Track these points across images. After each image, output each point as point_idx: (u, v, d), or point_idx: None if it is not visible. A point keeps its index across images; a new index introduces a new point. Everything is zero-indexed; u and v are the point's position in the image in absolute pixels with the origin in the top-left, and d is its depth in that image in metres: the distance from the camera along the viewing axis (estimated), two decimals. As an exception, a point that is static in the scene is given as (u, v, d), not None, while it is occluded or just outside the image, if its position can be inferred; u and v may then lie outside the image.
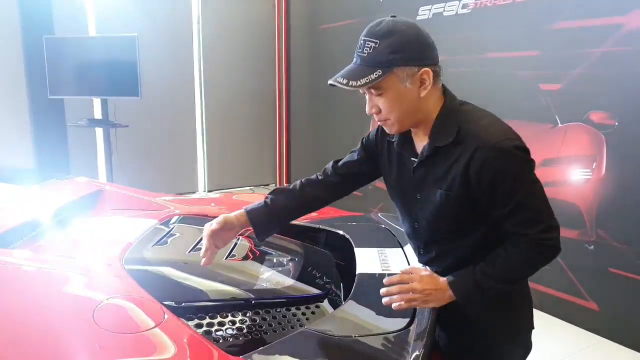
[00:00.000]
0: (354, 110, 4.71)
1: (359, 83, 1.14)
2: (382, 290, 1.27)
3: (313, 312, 1.44)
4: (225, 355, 1.12)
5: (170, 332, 1.15)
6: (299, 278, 1.61)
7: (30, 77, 4.96)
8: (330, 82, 1.19)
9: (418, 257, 1.45)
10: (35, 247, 1.47)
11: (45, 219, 1.63)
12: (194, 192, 6.25)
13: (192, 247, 1.64)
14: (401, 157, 1.35)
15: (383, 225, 2.08)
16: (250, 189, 6.54)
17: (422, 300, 1.25)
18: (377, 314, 1.36)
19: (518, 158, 1.17)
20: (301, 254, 1.80)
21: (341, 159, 1.51)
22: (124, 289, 1.30)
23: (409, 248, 1.76)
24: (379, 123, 1.29)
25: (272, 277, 1.58)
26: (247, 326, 1.34)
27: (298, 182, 1.50)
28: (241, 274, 1.58)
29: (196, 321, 1.32)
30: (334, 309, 1.47)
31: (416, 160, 1.29)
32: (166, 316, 1.18)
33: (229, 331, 1.31)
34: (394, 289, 1.26)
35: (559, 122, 3.06)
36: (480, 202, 1.21)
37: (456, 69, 3.46)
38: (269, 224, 1.44)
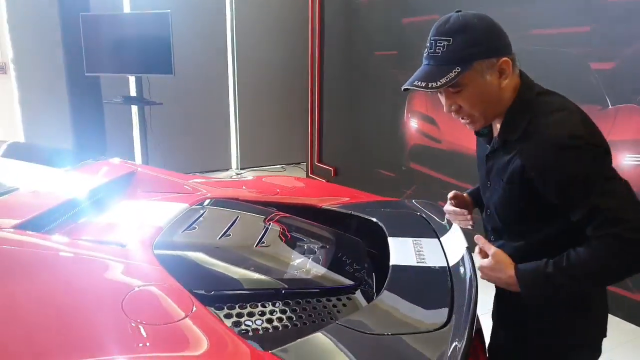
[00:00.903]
0: (388, 87, 4.59)
1: (439, 83, 1.11)
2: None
3: (344, 304, 1.39)
4: (254, 351, 1.09)
5: (199, 324, 1.12)
6: (331, 267, 1.56)
7: (67, 54, 5.01)
8: (405, 86, 1.16)
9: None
10: (66, 231, 1.46)
11: (78, 202, 1.63)
12: (227, 170, 6.28)
13: (223, 232, 1.61)
14: (480, 142, 1.38)
15: (418, 213, 2.00)
16: (282, 167, 6.53)
17: (486, 278, 1.25)
18: (411, 309, 1.30)
19: (584, 157, 1.09)
20: (332, 241, 1.75)
21: None
22: (153, 276, 1.28)
23: (445, 238, 1.69)
24: (462, 122, 1.24)
25: (303, 265, 1.54)
26: (277, 317, 1.30)
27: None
28: (272, 261, 1.55)
29: (225, 311, 1.29)
30: (366, 300, 1.42)
31: (489, 148, 1.30)
32: (194, 307, 1.15)
33: (258, 322, 1.27)
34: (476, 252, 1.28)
35: (609, 103, 2.89)
36: (548, 201, 1.16)
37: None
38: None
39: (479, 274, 1.25)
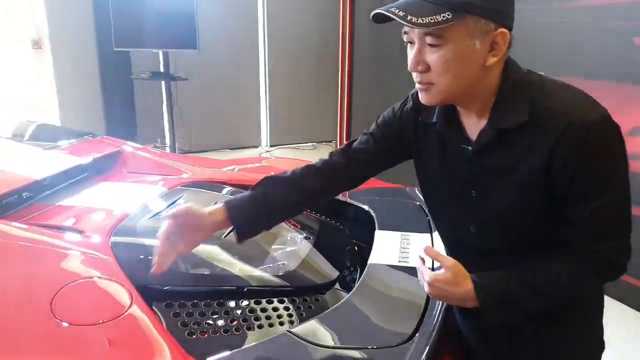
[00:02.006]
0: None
1: (420, 21, 0.83)
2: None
3: (310, 306, 1.27)
4: (185, 357, 0.99)
5: (129, 326, 1.03)
6: (305, 262, 1.43)
7: (98, 29, 5.03)
8: (378, 11, 0.87)
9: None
10: (28, 214, 1.40)
11: (49, 183, 1.57)
12: (256, 147, 6.23)
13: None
14: (444, 142, 1.05)
15: (418, 203, 1.83)
16: (312, 145, 6.41)
17: (437, 295, 1.01)
18: (376, 318, 1.16)
19: (621, 142, 0.90)
20: (314, 231, 1.62)
21: (354, 141, 1.22)
22: (100, 268, 1.19)
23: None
24: (418, 86, 0.97)
25: (273, 260, 1.42)
26: (230, 319, 1.19)
27: (296, 169, 1.19)
28: (238, 254, 1.44)
29: (175, 309, 1.19)
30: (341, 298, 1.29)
31: (469, 147, 0.99)
32: (131, 307, 1.06)
33: (208, 324, 1.17)
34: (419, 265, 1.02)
35: (654, 84, 2.57)
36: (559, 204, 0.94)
37: (530, 20, 3.00)
38: (256, 222, 1.13)
39: (425, 289, 1.00)
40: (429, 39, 0.87)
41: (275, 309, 1.25)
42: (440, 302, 1.16)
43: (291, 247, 1.50)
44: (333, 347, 1.03)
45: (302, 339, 1.05)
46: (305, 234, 1.58)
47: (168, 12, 4.43)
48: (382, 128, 1.18)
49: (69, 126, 5.15)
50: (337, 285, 1.38)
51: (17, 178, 1.54)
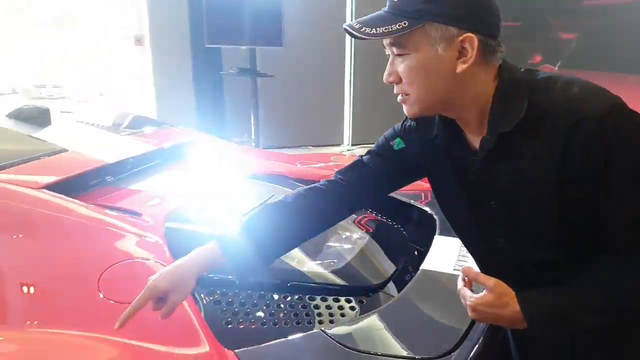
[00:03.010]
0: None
1: (374, 31, 0.84)
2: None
3: (353, 308, 1.23)
4: (218, 348, 0.99)
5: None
6: (358, 262, 1.39)
7: (193, 26, 5.29)
8: (344, 25, 0.88)
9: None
10: (94, 195, 1.48)
11: (118, 167, 1.65)
12: (338, 145, 6.23)
13: (248, 211, 1.51)
14: (451, 157, 0.97)
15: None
16: (397, 145, 6.28)
17: (482, 319, 0.93)
18: (416, 328, 1.09)
19: (638, 136, 0.79)
20: (373, 232, 1.56)
21: (360, 160, 1.10)
22: (148, 250, 1.23)
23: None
24: (398, 99, 0.92)
25: (322, 257, 1.39)
26: (270, 312, 1.18)
27: (296, 192, 1.07)
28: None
29: (217, 297, 1.20)
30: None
31: (476, 158, 0.92)
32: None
33: (247, 314, 1.17)
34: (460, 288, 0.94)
35: None
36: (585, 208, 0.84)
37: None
38: (254, 259, 0.99)
39: (469, 313, 0.91)
40: (395, 50, 0.87)
41: (316, 307, 1.22)
42: None
43: (343, 246, 1.46)
44: (363, 352, 0.98)
45: (334, 339, 1.01)
46: (360, 234, 1.53)
47: (256, 9, 4.54)
48: (381, 153, 1.08)
49: (163, 118, 5.48)
50: (386, 289, 1.33)
51: (90, 161, 1.63)
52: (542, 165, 0.83)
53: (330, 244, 1.46)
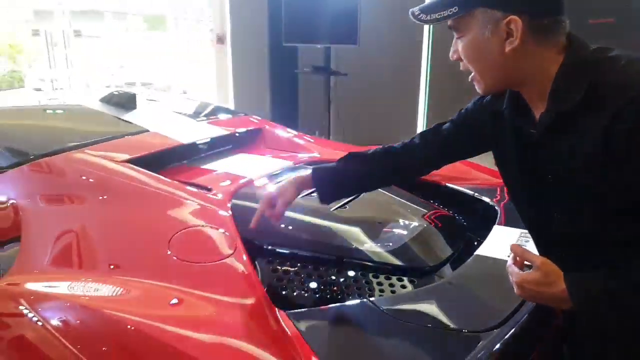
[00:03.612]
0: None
1: (428, 17, 0.95)
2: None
3: (404, 287, 1.26)
4: (270, 306, 1.06)
5: (227, 269, 1.14)
6: (413, 245, 1.41)
7: (272, 25, 5.49)
8: (409, 11, 0.99)
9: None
10: (171, 171, 1.61)
11: (192, 148, 1.79)
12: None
13: (306, 192, 1.59)
14: (516, 130, 1.02)
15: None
16: (470, 148, 6.14)
17: (527, 296, 0.94)
18: (465, 305, 1.11)
19: None
20: (432, 218, 1.58)
21: (440, 125, 1.26)
22: (215, 220, 1.33)
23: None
24: (469, 78, 1.00)
25: (382, 238, 1.43)
26: (324, 283, 1.24)
27: (380, 147, 1.29)
28: (342, 227, 1.48)
29: (274, 266, 1.28)
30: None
31: (535, 132, 0.96)
32: (233, 255, 1.17)
33: (301, 283, 1.23)
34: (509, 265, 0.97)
35: None
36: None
37: None
38: (334, 190, 1.27)
39: (515, 290, 0.93)
40: (454, 32, 0.95)
41: (368, 283, 1.26)
42: None
43: (401, 230, 1.48)
44: (406, 322, 1.01)
45: (379, 308, 1.05)
46: (418, 221, 1.55)
47: (333, 8, 4.62)
48: (464, 118, 1.21)
49: (240, 109, 5.73)
50: (439, 272, 1.34)
51: (168, 141, 1.77)
52: (592, 142, 0.84)
53: (388, 228, 1.50)
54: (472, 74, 0.97)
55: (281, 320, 1.01)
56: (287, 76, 5.57)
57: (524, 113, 0.99)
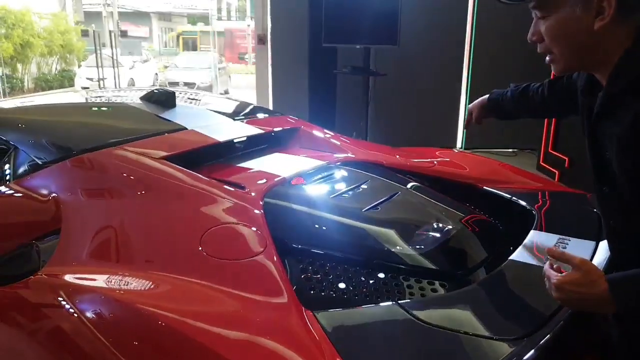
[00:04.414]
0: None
1: None
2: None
3: (434, 291, 1.23)
4: (297, 305, 1.06)
5: (256, 267, 1.15)
6: (447, 249, 1.39)
7: (312, 26, 5.50)
8: None
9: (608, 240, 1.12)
10: (208, 169, 1.63)
11: (229, 147, 1.81)
12: (450, 148, 6.08)
13: (340, 191, 1.58)
14: (589, 107, 1.05)
15: (595, 210, 1.61)
16: (512, 151, 5.99)
17: (567, 299, 0.91)
18: (496, 311, 1.08)
19: None
20: (468, 222, 1.54)
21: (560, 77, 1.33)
22: (247, 218, 1.34)
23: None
24: (546, 60, 1.02)
25: (414, 241, 1.41)
26: (353, 284, 1.23)
27: (534, 85, 1.52)
28: (374, 228, 1.47)
29: (304, 265, 1.28)
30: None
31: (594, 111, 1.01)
32: (262, 253, 1.17)
33: (331, 283, 1.23)
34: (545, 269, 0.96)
35: None
36: None
37: None
38: (501, 113, 1.59)
39: (553, 295, 0.91)
40: (537, 12, 0.95)
41: (397, 285, 1.24)
42: None
43: (434, 232, 1.46)
44: (433, 326, 0.99)
45: (407, 312, 1.03)
46: (452, 222, 1.52)
47: (373, 9, 4.59)
48: (567, 83, 1.29)
49: (279, 109, 5.79)
50: (472, 277, 1.31)
51: (205, 139, 1.79)
52: (624, 126, 0.88)
53: (420, 230, 1.48)
54: (549, 55, 0.98)
55: (307, 321, 1.01)
56: (326, 77, 5.57)
57: (595, 92, 1.01)
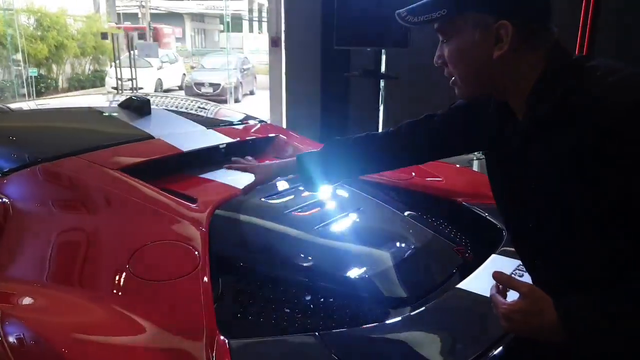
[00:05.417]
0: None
1: (415, 19, 0.91)
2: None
3: (371, 318, 1.16)
4: (212, 331, 1.01)
5: (176, 290, 1.10)
6: (388, 274, 1.31)
7: (324, 28, 5.45)
8: (396, 12, 0.95)
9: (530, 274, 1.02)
10: (164, 180, 1.59)
11: (191, 157, 1.76)
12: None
13: (298, 206, 1.52)
14: (502, 138, 0.98)
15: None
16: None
17: (516, 329, 0.85)
18: (426, 344, 1.00)
19: None
20: (422, 243, 1.46)
21: (431, 116, 1.19)
22: (187, 235, 1.30)
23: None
24: (450, 82, 0.96)
25: (359, 263, 1.34)
26: (285, 309, 1.17)
27: (364, 134, 1.25)
28: (320, 247, 1.41)
29: (242, 285, 1.23)
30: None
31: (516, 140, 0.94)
32: (189, 275, 1.13)
33: (262, 307, 1.17)
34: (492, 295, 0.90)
35: None
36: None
37: None
38: (318, 175, 1.24)
39: (502, 323, 0.84)
40: (440, 35, 0.91)
41: (330, 312, 1.17)
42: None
43: (385, 254, 1.38)
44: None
45: (326, 344, 0.97)
46: (407, 246, 1.44)
47: (384, 11, 4.51)
48: (457, 112, 1.14)
49: (290, 115, 5.77)
50: (414, 305, 1.23)
51: (169, 149, 1.75)
52: (561, 159, 0.82)
53: (370, 253, 1.40)
54: (453, 78, 0.94)
55: (216, 350, 0.95)
56: (338, 79, 5.51)
57: (508, 119, 0.96)
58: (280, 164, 1.32)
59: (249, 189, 1.29)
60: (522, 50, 0.86)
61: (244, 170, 1.31)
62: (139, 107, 2.02)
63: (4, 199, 1.44)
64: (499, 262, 1.30)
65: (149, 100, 2.05)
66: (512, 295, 0.84)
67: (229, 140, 1.92)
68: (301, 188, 1.67)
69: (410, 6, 0.92)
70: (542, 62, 0.87)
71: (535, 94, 0.86)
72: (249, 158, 1.35)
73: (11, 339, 1.01)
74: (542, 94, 0.85)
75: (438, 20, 0.88)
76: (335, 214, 1.50)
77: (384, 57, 4.90)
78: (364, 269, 1.30)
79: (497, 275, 0.86)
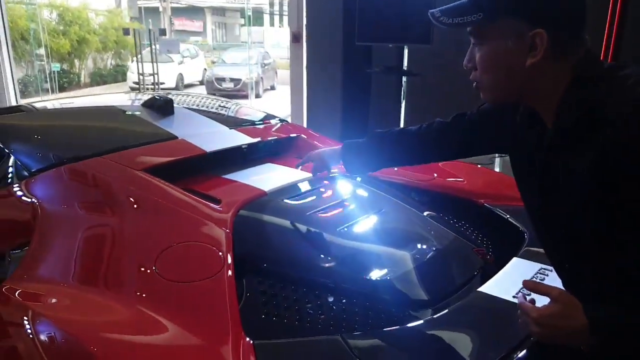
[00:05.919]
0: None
1: (449, 21, 0.90)
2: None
3: (393, 322, 1.16)
4: (237, 333, 1.03)
5: (201, 292, 1.12)
6: (408, 276, 1.31)
7: (346, 24, 5.42)
8: (429, 12, 0.95)
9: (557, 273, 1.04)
10: (189, 181, 1.61)
11: (215, 158, 1.78)
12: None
13: (319, 208, 1.53)
14: (530, 144, 0.98)
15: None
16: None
17: (547, 334, 0.85)
18: (450, 347, 1.00)
19: None
20: (436, 248, 1.45)
21: (464, 114, 1.26)
22: (212, 235, 1.31)
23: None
24: (473, 86, 0.97)
25: (384, 265, 1.34)
26: (309, 310, 1.19)
27: (398, 129, 1.37)
28: (342, 249, 1.41)
29: (264, 287, 1.24)
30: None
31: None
32: (214, 277, 1.15)
33: (287, 308, 1.19)
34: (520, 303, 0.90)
35: None
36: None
37: None
38: (360, 162, 1.40)
39: (532, 329, 0.84)
40: (472, 39, 0.91)
41: (354, 314, 1.18)
42: None
43: (407, 257, 1.39)
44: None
45: (349, 348, 0.98)
46: (429, 249, 1.44)
47: (406, 7, 4.48)
48: (488, 115, 1.18)
49: (311, 111, 5.77)
50: (435, 308, 1.23)
51: (193, 149, 1.77)
52: (581, 171, 0.83)
53: (393, 255, 1.41)
54: (477, 83, 0.95)
55: (242, 351, 0.97)
56: (359, 75, 5.49)
57: (534, 126, 0.96)
58: (327, 152, 1.46)
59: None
60: (554, 59, 0.85)
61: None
62: (161, 106, 2.05)
63: (32, 199, 1.49)
64: (521, 265, 1.29)
65: (171, 100, 2.07)
66: (540, 303, 0.85)
67: (250, 140, 1.94)
68: (322, 189, 1.69)
69: (445, 7, 0.91)
70: (573, 71, 0.86)
71: (562, 104, 0.86)
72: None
73: (42, 337, 1.04)
74: (568, 105, 0.86)
75: (473, 23, 0.88)
76: (357, 215, 1.50)
77: (406, 54, 4.86)
78: (386, 270, 1.31)
79: (526, 283, 0.88)
